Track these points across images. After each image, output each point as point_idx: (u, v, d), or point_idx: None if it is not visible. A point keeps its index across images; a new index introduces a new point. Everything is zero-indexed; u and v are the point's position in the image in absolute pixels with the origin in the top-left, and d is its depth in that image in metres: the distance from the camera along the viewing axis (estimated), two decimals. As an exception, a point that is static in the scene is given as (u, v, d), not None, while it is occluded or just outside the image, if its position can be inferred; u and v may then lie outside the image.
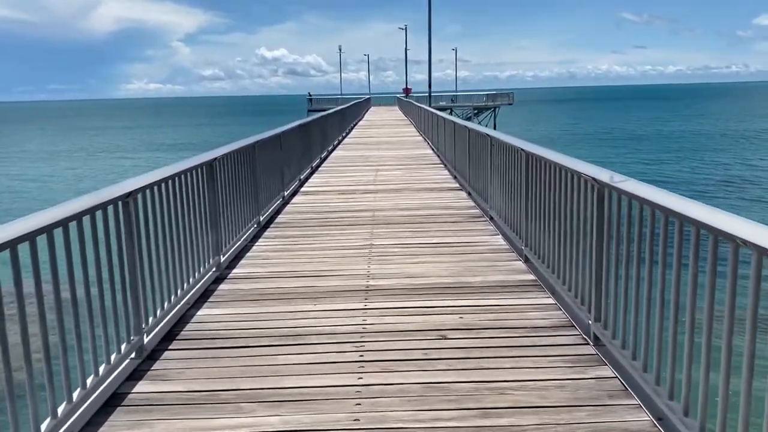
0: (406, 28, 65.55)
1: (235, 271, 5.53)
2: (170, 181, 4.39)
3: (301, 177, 11.06)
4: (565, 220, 4.33)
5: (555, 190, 4.56)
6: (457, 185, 10.14)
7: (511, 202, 6.08)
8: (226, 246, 5.75)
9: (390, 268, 5.44)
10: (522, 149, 5.39)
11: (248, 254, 6.12)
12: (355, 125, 29.29)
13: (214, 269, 5.39)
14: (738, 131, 53.46)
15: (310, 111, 53.99)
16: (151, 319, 3.84)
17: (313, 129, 13.21)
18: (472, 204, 8.43)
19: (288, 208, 8.58)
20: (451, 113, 28.81)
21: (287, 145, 9.69)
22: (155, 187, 4.06)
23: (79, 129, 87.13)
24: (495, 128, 50.29)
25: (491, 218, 7.27)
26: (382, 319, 4.19)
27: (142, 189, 3.82)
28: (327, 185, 10.72)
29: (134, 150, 51.17)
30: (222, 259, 5.56)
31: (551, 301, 4.50)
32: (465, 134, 9.32)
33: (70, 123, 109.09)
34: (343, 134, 22.28)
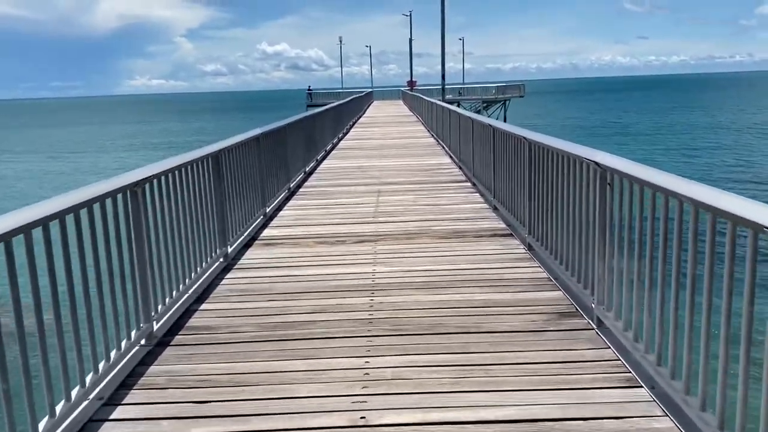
0: (411, 14, 61.71)
1: None
2: None
3: (268, 210, 7.54)
4: None
5: None
6: (503, 225, 6.59)
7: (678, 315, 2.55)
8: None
9: None
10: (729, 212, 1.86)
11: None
12: (354, 123, 25.73)
13: None
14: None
15: (310, 106, 50.52)
16: None
17: (292, 136, 9.67)
18: (544, 274, 4.87)
19: (223, 284, 4.99)
20: (458, 107, 25.10)
21: (240, 168, 6.18)
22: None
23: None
24: (505, 122, 46.42)
25: (599, 323, 3.73)
26: None
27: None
28: (303, 223, 7.17)
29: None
30: None
31: None
32: (522, 150, 5.75)
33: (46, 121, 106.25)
34: (339, 135, 18.73)
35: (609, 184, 3.55)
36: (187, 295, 4.50)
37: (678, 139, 40.49)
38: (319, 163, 12.74)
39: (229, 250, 5.65)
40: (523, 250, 5.58)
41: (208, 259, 5.07)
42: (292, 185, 9.39)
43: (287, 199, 8.72)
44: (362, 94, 39.28)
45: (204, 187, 5.08)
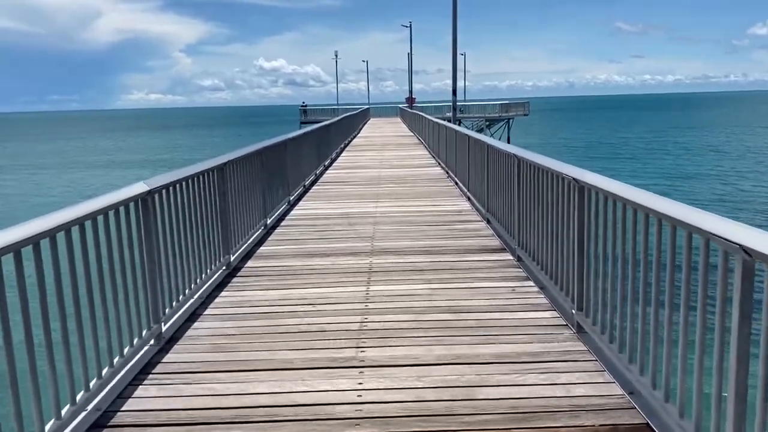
0: (410, 25, 58.77)
1: None
2: None
3: (165, 328, 4.17)
4: None
5: None
6: (621, 392, 3.22)
7: None
8: None
9: None
10: None
11: None
12: (347, 145, 22.44)
13: None
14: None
15: (304, 123, 47.31)
16: None
17: (242, 176, 6.33)
18: None
19: None
20: (459, 125, 21.72)
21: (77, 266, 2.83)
22: None
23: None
24: (509, 141, 43.05)
25: None
26: None
27: None
28: (223, 359, 3.78)
29: None
30: None
31: None
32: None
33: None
34: (326, 162, 15.41)
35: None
36: None
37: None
38: (291, 206, 9.39)
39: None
40: None
41: None
42: (233, 258, 6.01)
43: (220, 285, 5.35)
44: (357, 111, 36.03)
45: None
